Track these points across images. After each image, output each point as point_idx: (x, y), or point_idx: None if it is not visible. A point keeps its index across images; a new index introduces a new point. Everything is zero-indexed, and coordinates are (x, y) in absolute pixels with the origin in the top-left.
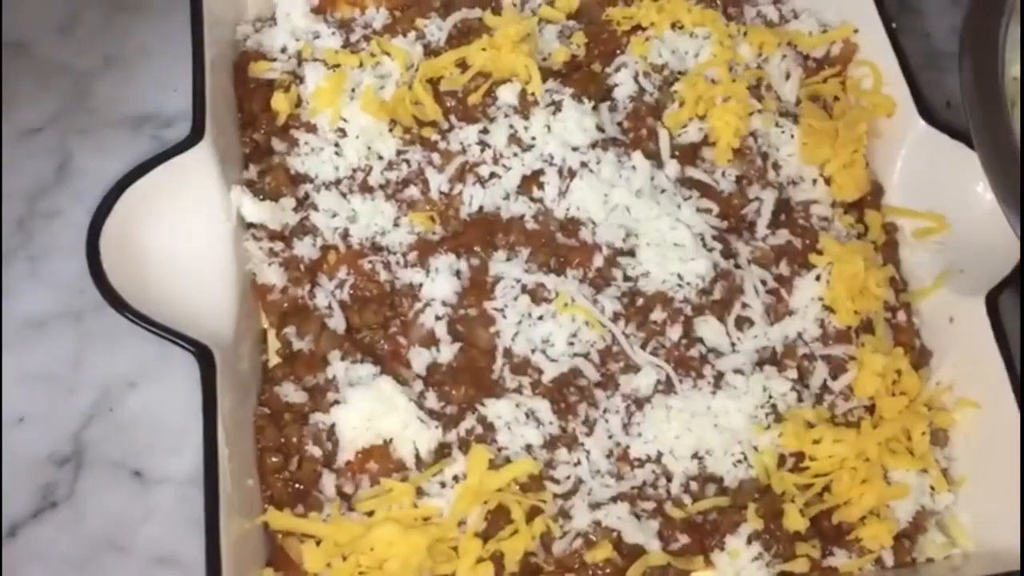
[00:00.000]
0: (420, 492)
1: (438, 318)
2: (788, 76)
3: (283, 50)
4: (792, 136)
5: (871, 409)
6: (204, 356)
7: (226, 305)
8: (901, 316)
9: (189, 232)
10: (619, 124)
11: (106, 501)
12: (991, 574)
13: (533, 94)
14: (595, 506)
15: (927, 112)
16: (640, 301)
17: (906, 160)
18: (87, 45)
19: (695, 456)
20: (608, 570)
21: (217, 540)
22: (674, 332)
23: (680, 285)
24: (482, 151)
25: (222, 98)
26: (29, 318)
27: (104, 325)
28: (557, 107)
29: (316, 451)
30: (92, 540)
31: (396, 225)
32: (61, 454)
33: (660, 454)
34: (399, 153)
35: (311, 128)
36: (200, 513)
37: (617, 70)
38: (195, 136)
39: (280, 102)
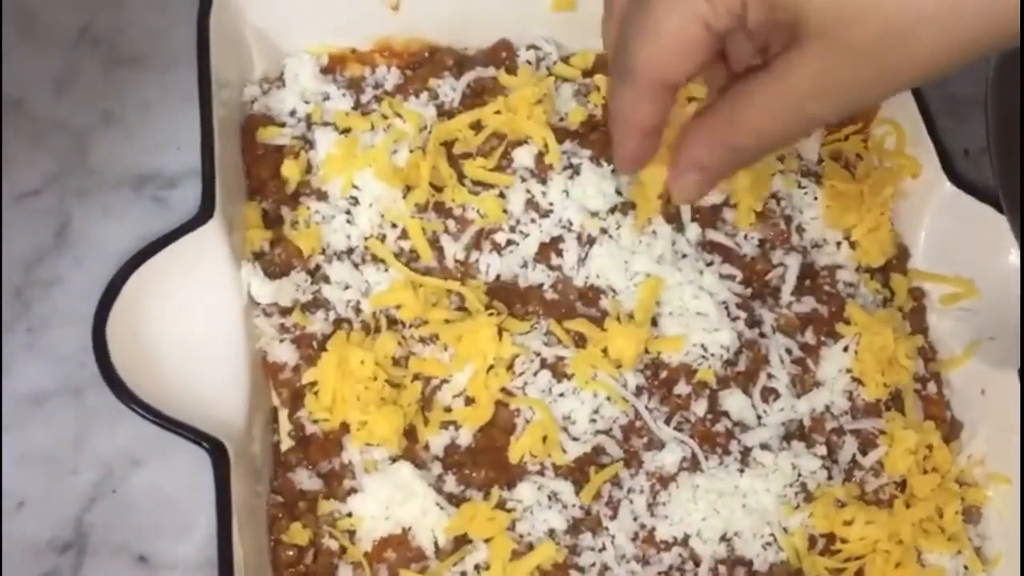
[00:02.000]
0: None
1: (456, 396)
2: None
3: (292, 113)
4: (816, 198)
5: (901, 485)
6: (217, 452)
7: (237, 388)
8: (931, 387)
9: (198, 311)
10: None
11: None
12: None
13: (551, 164)
14: None
15: (953, 173)
16: (663, 374)
17: (932, 222)
18: (85, 101)
19: (723, 538)
20: None
21: None
22: (699, 407)
23: (704, 357)
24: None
25: (230, 165)
26: (27, 394)
27: (105, 401)
28: (575, 171)
29: (333, 543)
30: None
31: None
32: (62, 539)
33: (687, 536)
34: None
35: (322, 195)
36: None
37: None
38: (206, 212)
39: (290, 169)
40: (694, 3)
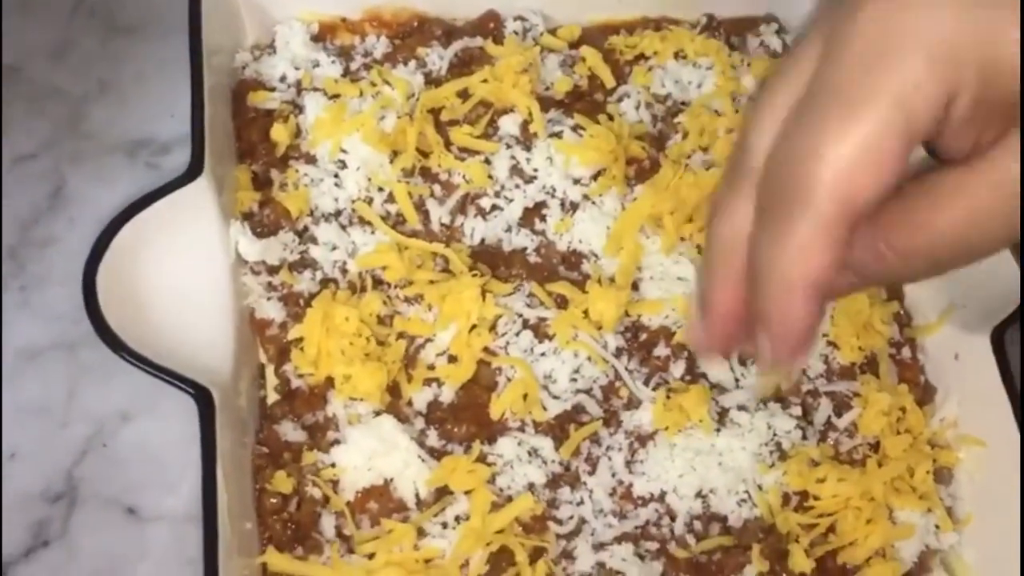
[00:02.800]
0: (421, 533)
1: (439, 355)
2: None
3: (282, 79)
4: None
5: (875, 446)
6: (203, 398)
7: (224, 341)
8: (906, 352)
9: (187, 267)
10: None
11: (100, 539)
12: None
13: (536, 132)
14: (599, 547)
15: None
16: (643, 336)
17: None
18: (81, 70)
19: (699, 495)
20: None
21: None
22: (677, 368)
23: (684, 320)
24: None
25: (220, 128)
26: (21, 350)
27: (97, 357)
28: (559, 138)
29: (316, 492)
30: None
31: None
32: (54, 491)
33: (664, 492)
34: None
35: (310, 159)
36: (197, 551)
37: (620, 100)
38: (194, 170)
39: (279, 133)
40: (883, 108)
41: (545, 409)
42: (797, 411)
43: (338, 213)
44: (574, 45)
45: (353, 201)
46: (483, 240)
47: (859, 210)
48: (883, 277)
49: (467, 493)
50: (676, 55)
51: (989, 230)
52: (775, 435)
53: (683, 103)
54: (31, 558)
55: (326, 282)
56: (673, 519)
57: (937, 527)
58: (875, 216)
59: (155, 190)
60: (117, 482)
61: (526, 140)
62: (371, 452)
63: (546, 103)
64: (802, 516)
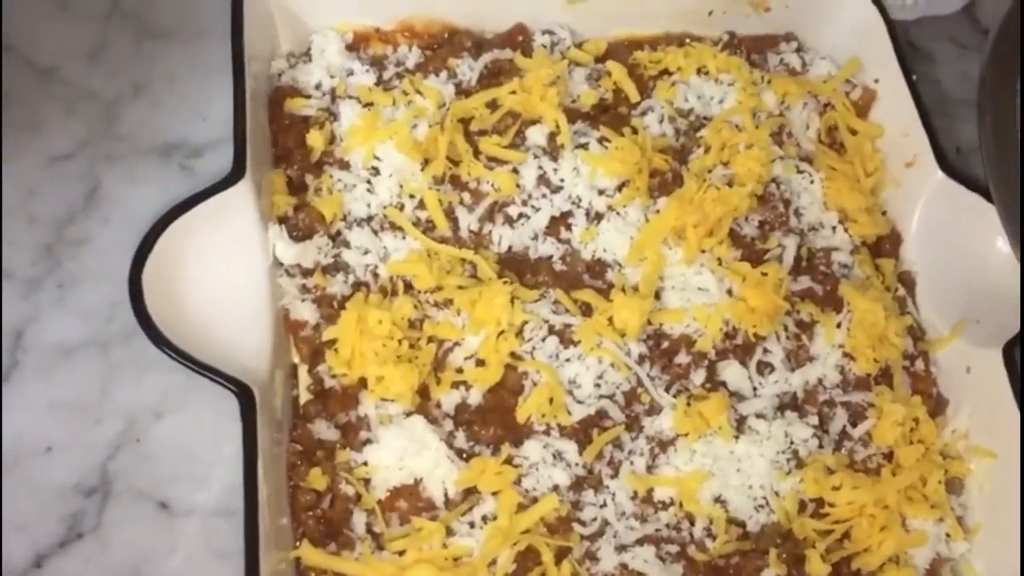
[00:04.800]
0: (449, 532)
1: (467, 358)
2: (808, 126)
3: (317, 86)
4: (812, 182)
5: (889, 456)
6: (245, 394)
7: (262, 341)
8: (919, 364)
9: (227, 268)
10: None
11: (132, 532)
12: None
13: (562, 145)
14: (621, 548)
15: (945, 163)
16: (665, 344)
17: (924, 210)
18: (116, 72)
19: (718, 500)
20: None
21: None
22: (698, 376)
23: (705, 329)
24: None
25: (258, 133)
26: (56, 346)
27: (131, 354)
28: (585, 149)
29: (349, 490)
30: (118, 572)
31: None
32: (88, 484)
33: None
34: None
35: (344, 165)
36: (226, 545)
37: (644, 114)
38: (236, 174)
39: (315, 139)
40: None
41: (570, 413)
42: (814, 420)
43: (370, 218)
44: (600, 59)
45: (385, 207)
46: (510, 247)
47: None
48: None
49: (494, 494)
50: (699, 71)
51: None
52: (792, 443)
53: (705, 118)
54: (66, 550)
55: (358, 285)
56: (692, 523)
57: (948, 535)
58: None
59: (199, 192)
60: (150, 476)
61: (553, 151)
62: (402, 452)
63: (572, 115)
64: (818, 522)
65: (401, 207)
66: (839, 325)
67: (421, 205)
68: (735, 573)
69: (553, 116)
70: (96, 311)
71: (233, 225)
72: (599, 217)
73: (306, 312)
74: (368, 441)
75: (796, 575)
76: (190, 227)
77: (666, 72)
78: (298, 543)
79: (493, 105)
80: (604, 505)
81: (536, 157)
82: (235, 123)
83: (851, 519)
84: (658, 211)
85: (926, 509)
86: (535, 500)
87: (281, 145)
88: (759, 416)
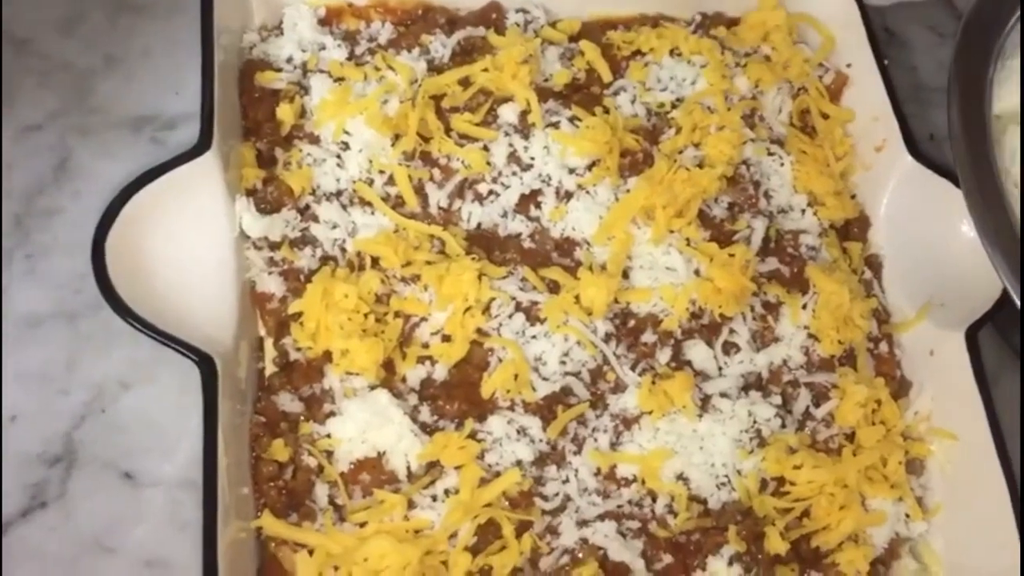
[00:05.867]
0: (411, 504)
1: (433, 333)
2: (780, 109)
3: (289, 60)
4: (783, 165)
5: (851, 436)
6: (206, 364)
7: (226, 312)
8: (883, 347)
9: (192, 239)
10: None
11: (96, 502)
12: None
13: (533, 123)
14: (582, 523)
15: (915, 148)
16: (631, 323)
17: (893, 194)
18: (89, 44)
19: (680, 477)
20: None
21: (214, 548)
22: (663, 355)
23: (671, 309)
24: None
25: (227, 106)
26: (24, 317)
27: (99, 326)
28: (556, 128)
29: (311, 461)
30: (82, 541)
31: None
32: (52, 454)
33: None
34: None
35: (314, 139)
36: (191, 516)
37: (616, 94)
38: (203, 145)
39: (285, 112)
40: None
41: (534, 390)
42: (777, 400)
43: (339, 193)
44: (573, 39)
45: (354, 182)
46: (479, 224)
47: None
48: None
49: (457, 468)
50: (672, 52)
51: None
52: (755, 422)
53: (677, 99)
54: (29, 518)
55: (326, 259)
56: (655, 500)
57: (907, 515)
58: None
59: (164, 163)
60: (115, 447)
61: (524, 129)
62: (365, 425)
63: (544, 94)
64: (778, 500)
65: (371, 182)
66: (805, 306)
67: (391, 181)
68: (695, 550)
69: (524, 94)
70: (65, 282)
71: (199, 196)
72: (568, 196)
73: (272, 285)
74: (332, 414)
75: (755, 551)
76: (155, 198)
77: (639, 53)
78: (259, 513)
79: (465, 82)
80: (567, 481)
81: (507, 135)
82: (203, 95)
83: (811, 498)
84: (628, 191)
85: (886, 489)
86: (498, 475)
87: (251, 118)
88: (723, 395)
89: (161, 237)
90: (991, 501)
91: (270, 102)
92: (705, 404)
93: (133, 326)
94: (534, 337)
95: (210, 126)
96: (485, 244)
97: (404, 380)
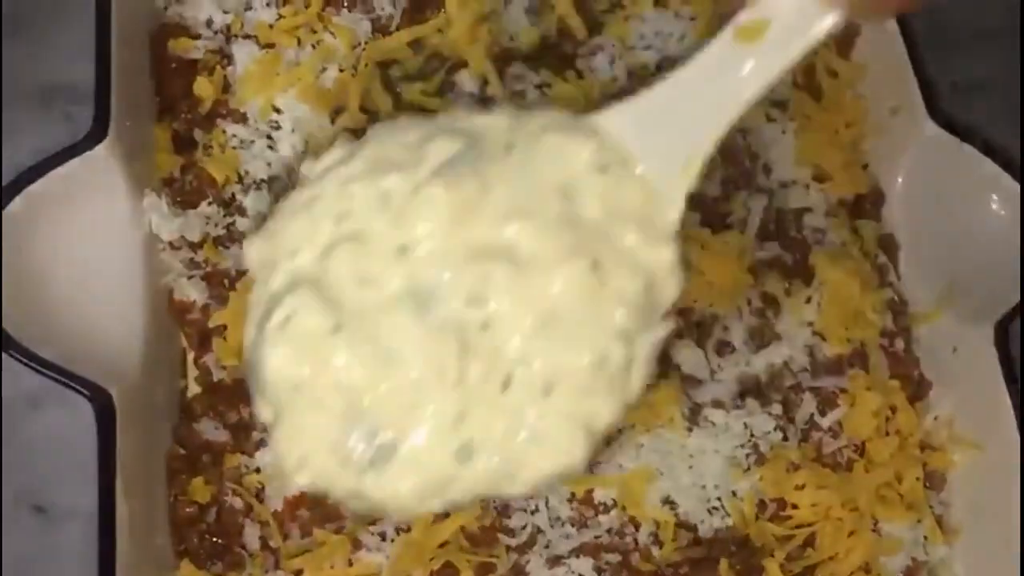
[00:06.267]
0: (356, 545)
1: None
2: None
3: (208, 23)
4: (784, 133)
5: (862, 449)
6: (100, 399)
7: (133, 329)
8: (899, 343)
9: (90, 246)
10: None
11: (4, 541)
12: None
13: (494, 96)
14: (554, 560)
15: (935, 109)
16: None
17: (911, 164)
18: None
19: (666, 501)
20: None
21: None
22: None
23: None
24: None
25: (136, 81)
26: None
27: None
28: (522, 98)
29: (237, 502)
30: None
31: None
32: None
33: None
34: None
35: (240, 117)
36: None
37: (593, 54)
38: (97, 133)
39: (204, 87)
40: None
41: None
42: (777, 409)
43: (271, 180)
44: None
45: (289, 167)
46: None
47: None
48: None
49: None
50: (656, 3)
51: None
52: (752, 435)
53: (664, 59)
54: None
55: None
56: (637, 528)
57: (926, 538)
58: None
59: (49, 158)
60: (23, 477)
61: (484, 100)
62: None
63: (509, 56)
64: (778, 527)
65: None
66: (809, 300)
67: None
68: None
69: (480, 63)
70: None
71: (95, 195)
72: None
73: (193, 291)
74: (263, 443)
75: None
76: (40, 199)
77: (619, 5)
78: (178, 564)
79: (417, 46)
80: (536, 511)
81: (466, 107)
82: (97, 71)
83: (815, 523)
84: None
85: (901, 511)
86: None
87: (165, 95)
88: (716, 404)
89: (51, 245)
90: (1020, 518)
91: (187, 75)
92: (695, 416)
93: (14, 357)
94: None
95: (106, 108)
96: None
97: None
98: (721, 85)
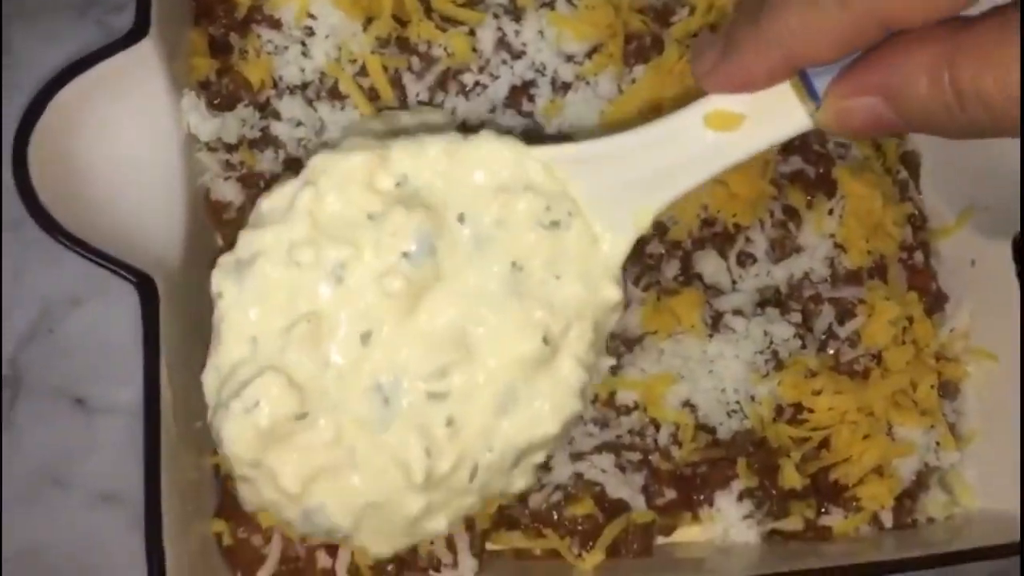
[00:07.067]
0: None
1: None
2: None
3: None
4: None
5: (879, 358)
6: (145, 285)
7: (173, 224)
8: (918, 257)
9: (132, 141)
10: None
11: (46, 431)
12: (990, 545)
13: (524, 5)
14: (577, 456)
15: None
16: None
17: None
18: None
19: (686, 404)
20: (587, 526)
21: (157, 487)
22: (671, 268)
23: (679, 217)
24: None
25: None
26: None
27: (44, 235)
28: (551, 9)
29: None
30: (30, 474)
31: None
32: None
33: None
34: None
35: (275, 23)
36: None
37: None
38: (139, 31)
39: None
40: None
41: None
42: (797, 318)
43: (305, 86)
44: None
45: (322, 73)
46: (464, 121)
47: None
48: (938, 122)
49: None
50: None
51: None
52: (772, 343)
53: None
54: None
55: (290, 162)
56: (658, 428)
57: (938, 444)
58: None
59: (91, 53)
60: (65, 371)
61: (515, 11)
62: None
63: None
64: (795, 429)
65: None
66: (831, 212)
67: (363, 71)
68: (702, 483)
69: None
70: (6, 187)
71: (137, 91)
72: (566, 87)
73: (229, 192)
74: None
75: (768, 485)
76: (84, 94)
77: None
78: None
79: None
80: None
81: (496, 17)
82: None
83: (831, 426)
84: (633, 81)
85: (915, 416)
86: None
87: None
88: (737, 313)
89: (94, 139)
90: None
91: None
92: (716, 323)
93: (60, 242)
94: None
95: (147, 7)
96: None
97: None
98: (685, 153)
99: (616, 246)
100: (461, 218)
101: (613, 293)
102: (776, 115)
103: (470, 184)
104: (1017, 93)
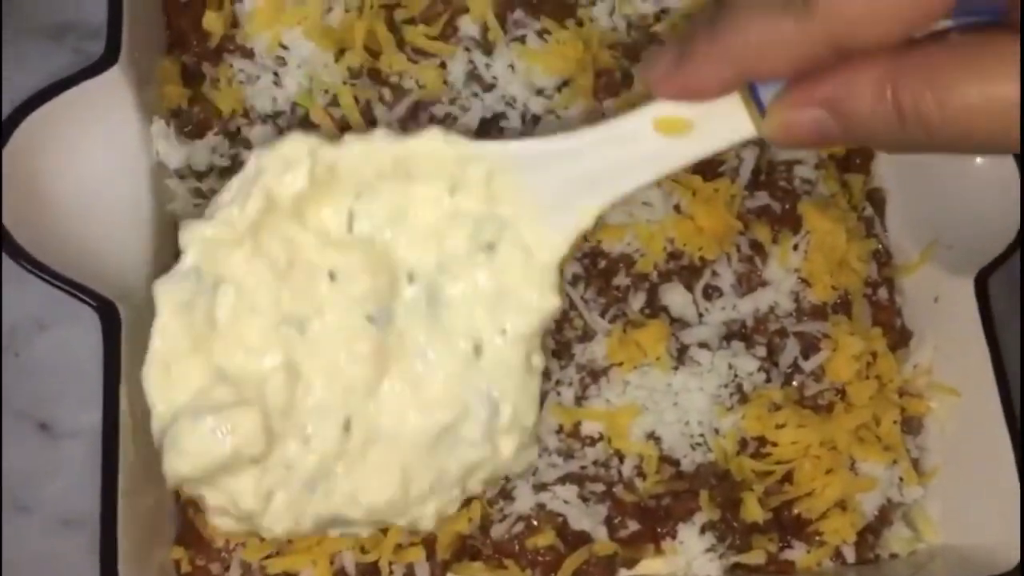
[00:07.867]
0: None
1: None
2: None
3: None
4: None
5: (843, 392)
6: (107, 310)
7: (141, 250)
8: (883, 293)
9: (100, 168)
10: None
11: (9, 455)
12: None
13: (495, 39)
14: (540, 487)
15: None
16: (602, 263)
17: None
18: None
19: (651, 436)
20: (548, 557)
21: (114, 512)
22: (637, 300)
23: (646, 249)
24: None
25: (148, 12)
26: None
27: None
28: (522, 43)
29: None
30: None
31: None
32: None
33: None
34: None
35: (247, 53)
36: None
37: (593, 3)
38: (108, 57)
39: (213, 22)
40: None
41: None
42: (762, 351)
43: (276, 115)
44: None
45: (294, 102)
46: None
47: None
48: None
49: None
50: None
51: None
52: (736, 376)
53: (662, 10)
54: None
55: None
56: (622, 460)
57: (901, 479)
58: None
59: (61, 80)
60: (29, 394)
61: (487, 44)
62: None
63: (512, 2)
64: (758, 463)
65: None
66: (796, 247)
67: (334, 101)
68: (665, 515)
69: (482, 9)
70: None
71: (106, 118)
72: (536, 120)
73: None
74: None
75: (731, 518)
76: (52, 119)
77: None
78: None
79: None
80: None
81: (467, 50)
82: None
83: (794, 460)
84: (603, 115)
85: (878, 451)
86: None
87: (175, 28)
88: (702, 346)
89: (63, 166)
90: (994, 464)
91: (197, 9)
92: (681, 355)
93: (28, 270)
94: None
95: (117, 34)
96: None
97: None
98: (632, 154)
99: (555, 249)
100: (411, 277)
101: (552, 302)
102: (723, 123)
103: (413, 216)
104: (953, 114)
